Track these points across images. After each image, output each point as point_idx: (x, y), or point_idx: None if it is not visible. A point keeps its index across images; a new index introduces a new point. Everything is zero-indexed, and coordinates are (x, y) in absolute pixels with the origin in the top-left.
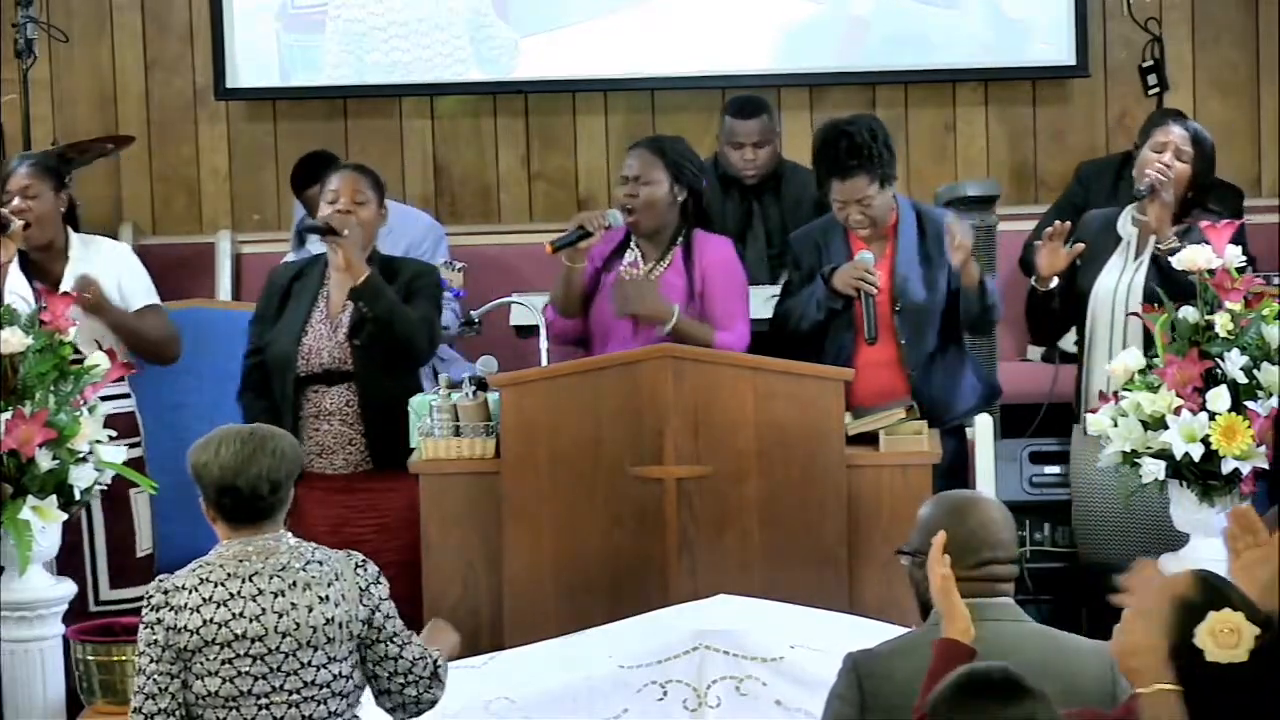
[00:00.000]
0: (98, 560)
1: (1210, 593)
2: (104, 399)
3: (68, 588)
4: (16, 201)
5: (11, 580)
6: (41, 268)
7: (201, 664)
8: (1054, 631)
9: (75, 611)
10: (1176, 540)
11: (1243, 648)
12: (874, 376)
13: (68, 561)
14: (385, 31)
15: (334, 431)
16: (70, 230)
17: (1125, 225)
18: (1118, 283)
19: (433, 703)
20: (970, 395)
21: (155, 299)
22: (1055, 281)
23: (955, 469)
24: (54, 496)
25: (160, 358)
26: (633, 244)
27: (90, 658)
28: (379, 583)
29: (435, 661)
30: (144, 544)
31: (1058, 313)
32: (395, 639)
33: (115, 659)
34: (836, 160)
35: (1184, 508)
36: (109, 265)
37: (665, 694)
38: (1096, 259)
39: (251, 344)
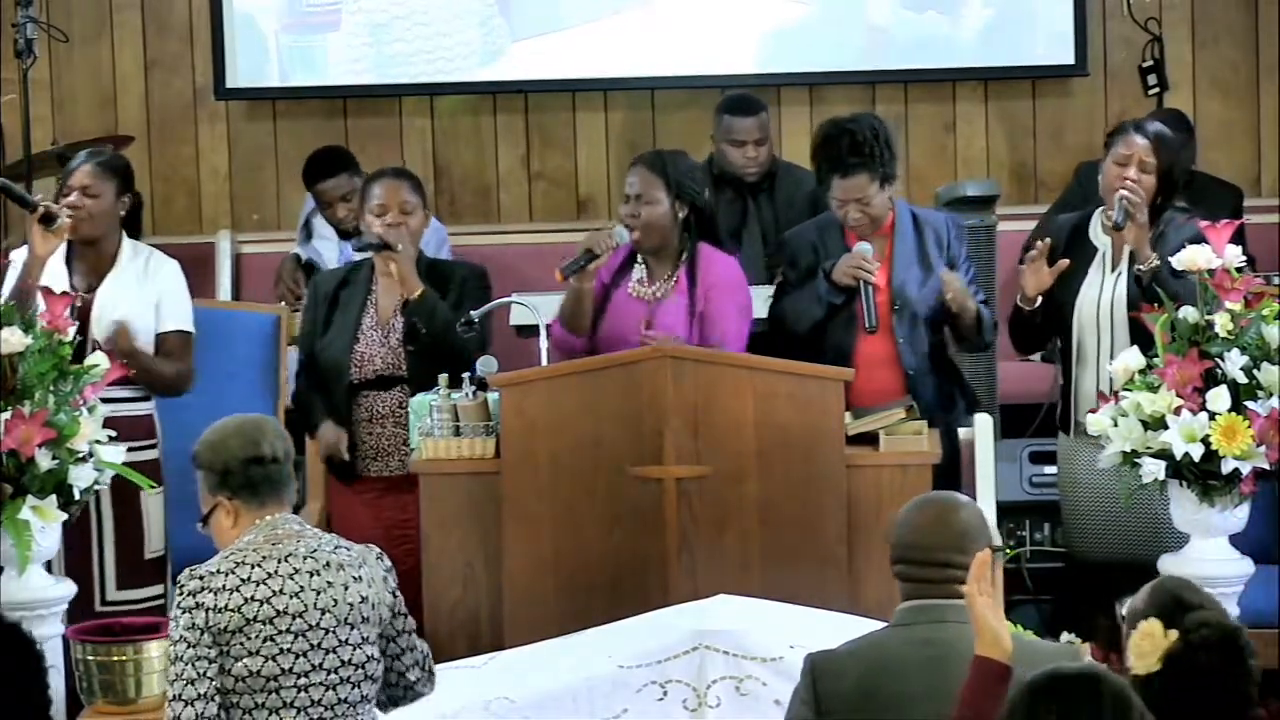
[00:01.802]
0: (105, 560)
1: (1155, 601)
2: (124, 400)
3: (67, 588)
4: (74, 197)
5: (11, 580)
6: (89, 266)
7: (242, 644)
8: (1016, 634)
9: (80, 611)
10: (1168, 540)
11: (1154, 656)
12: (873, 375)
13: (73, 561)
14: (391, 27)
15: (388, 434)
16: (125, 235)
17: (1097, 233)
18: (1099, 296)
19: (425, 694)
20: (958, 402)
21: (188, 325)
22: (1039, 300)
23: (949, 468)
24: (53, 496)
25: (168, 394)
26: (639, 260)
27: (90, 658)
28: (391, 573)
29: (428, 654)
30: (154, 545)
31: (1040, 326)
32: (411, 631)
33: (115, 659)
34: (838, 158)
35: (1184, 508)
36: (153, 279)
37: (665, 694)
38: (1072, 268)
39: (301, 355)
